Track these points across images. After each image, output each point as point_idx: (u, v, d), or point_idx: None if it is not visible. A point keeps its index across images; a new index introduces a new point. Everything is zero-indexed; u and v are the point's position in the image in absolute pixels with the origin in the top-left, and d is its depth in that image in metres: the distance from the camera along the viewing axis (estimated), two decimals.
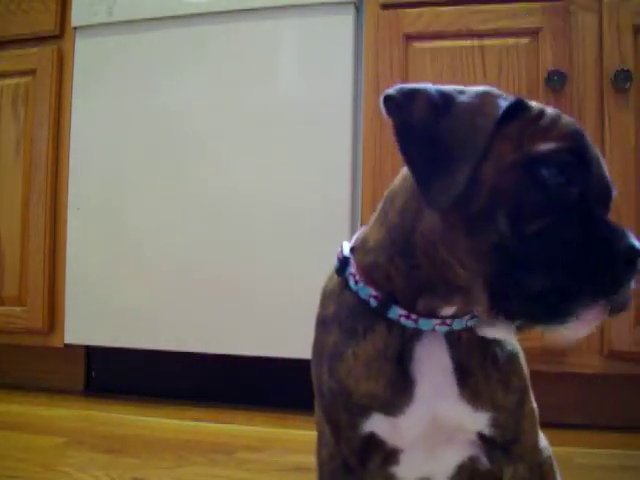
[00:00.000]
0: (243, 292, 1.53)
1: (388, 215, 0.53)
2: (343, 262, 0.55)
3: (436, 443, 0.53)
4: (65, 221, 1.68)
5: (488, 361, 0.53)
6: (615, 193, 0.50)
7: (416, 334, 0.52)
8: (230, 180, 1.56)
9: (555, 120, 0.49)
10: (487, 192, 0.45)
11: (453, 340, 0.52)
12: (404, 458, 0.54)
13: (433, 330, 0.51)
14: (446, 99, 0.48)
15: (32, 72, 1.72)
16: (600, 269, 0.42)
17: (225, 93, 1.57)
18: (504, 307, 0.44)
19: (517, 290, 0.43)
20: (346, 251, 0.56)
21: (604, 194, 0.48)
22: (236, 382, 1.62)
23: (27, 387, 1.73)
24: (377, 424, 0.52)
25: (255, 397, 1.59)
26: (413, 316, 0.51)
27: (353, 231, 1.48)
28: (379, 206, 0.56)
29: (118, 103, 1.65)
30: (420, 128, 0.47)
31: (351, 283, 0.53)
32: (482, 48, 1.43)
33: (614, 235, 0.44)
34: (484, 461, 0.55)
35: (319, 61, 1.52)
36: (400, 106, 0.48)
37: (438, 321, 0.51)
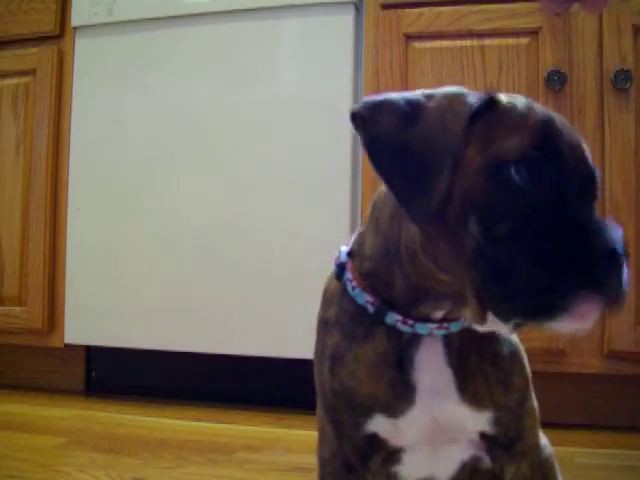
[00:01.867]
0: (243, 292, 1.53)
1: (379, 223, 0.53)
2: (341, 268, 0.55)
3: (438, 443, 0.54)
4: (65, 221, 1.68)
5: (487, 361, 0.53)
6: (598, 176, 0.47)
7: (414, 338, 0.52)
8: (230, 179, 1.56)
9: (523, 113, 0.46)
10: (459, 198, 0.44)
11: (451, 343, 0.52)
12: (406, 457, 0.54)
13: (431, 334, 0.51)
14: (414, 106, 0.47)
15: (32, 72, 1.72)
16: (578, 263, 0.41)
17: (225, 93, 1.57)
18: (493, 309, 0.43)
19: (502, 291, 0.42)
20: (343, 257, 0.56)
21: (585, 182, 0.45)
22: (236, 382, 1.62)
23: (27, 387, 1.73)
24: (379, 424, 0.53)
25: (255, 397, 1.59)
26: (410, 321, 0.51)
27: (352, 230, 1.48)
28: (369, 210, 0.55)
29: (118, 103, 1.65)
30: (389, 141, 0.45)
31: (349, 288, 0.54)
32: (482, 48, 1.43)
33: (592, 228, 0.42)
34: (486, 460, 0.55)
35: (319, 61, 1.52)
36: (366, 120, 0.47)
37: (435, 325, 0.51)
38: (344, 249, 0.57)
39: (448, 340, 0.52)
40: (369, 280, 0.52)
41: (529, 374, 0.56)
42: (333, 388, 0.54)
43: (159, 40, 1.62)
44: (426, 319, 0.51)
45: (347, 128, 1.49)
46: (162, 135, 1.61)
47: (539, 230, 0.42)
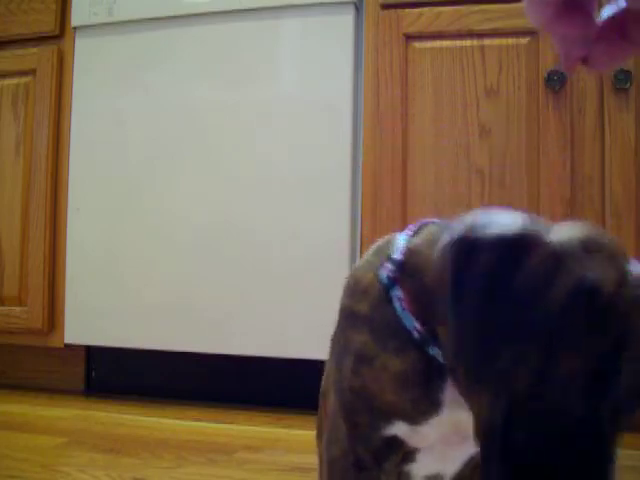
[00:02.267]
0: (243, 292, 1.53)
1: (428, 257, 0.48)
2: (391, 280, 0.50)
3: (453, 443, 0.53)
4: (65, 221, 1.68)
5: None
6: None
7: (445, 372, 0.48)
8: (230, 179, 1.56)
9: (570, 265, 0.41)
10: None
11: None
12: (421, 456, 0.53)
13: None
14: (509, 265, 0.40)
15: (32, 72, 1.72)
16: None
17: (225, 93, 1.57)
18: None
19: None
20: (395, 265, 0.50)
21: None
22: (236, 382, 1.62)
23: (27, 387, 1.73)
24: (400, 429, 0.51)
25: (255, 397, 1.59)
26: None
27: (352, 230, 1.48)
28: (427, 230, 0.51)
29: (118, 103, 1.65)
30: (480, 295, 0.40)
31: (396, 306, 0.49)
32: (482, 48, 1.43)
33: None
34: None
35: (319, 61, 1.52)
36: (470, 255, 0.41)
37: None
38: (398, 255, 0.50)
39: None
40: (419, 305, 0.48)
41: None
42: (352, 387, 0.51)
43: (159, 40, 1.62)
44: None
45: (347, 128, 1.50)
46: (162, 135, 1.61)
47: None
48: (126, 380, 1.71)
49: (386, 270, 0.50)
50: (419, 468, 0.55)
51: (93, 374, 1.75)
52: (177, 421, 1.43)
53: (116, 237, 1.63)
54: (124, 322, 1.61)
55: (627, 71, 1.34)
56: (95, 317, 1.63)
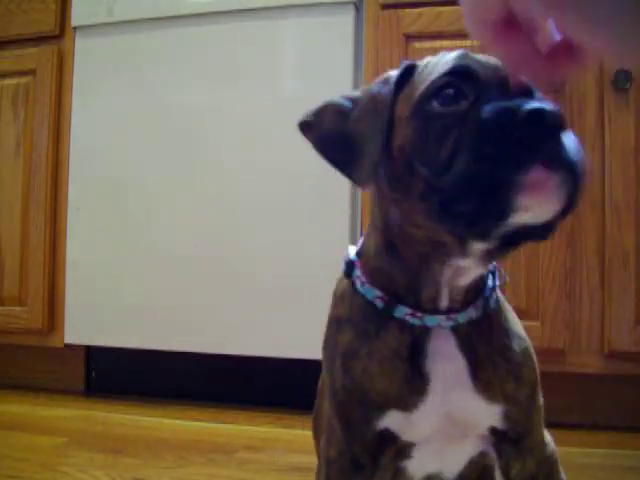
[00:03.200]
0: (243, 292, 1.53)
1: (375, 222, 0.55)
2: (349, 265, 0.57)
3: (450, 438, 0.54)
4: (65, 221, 1.68)
5: (497, 352, 0.53)
6: (504, 72, 0.48)
7: (425, 331, 0.52)
8: (230, 179, 1.56)
9: (437, 59, 0.51)
10: (399, 154, 0.48)
11: (461, 334, 0.53)
12: (416, 452, 0.54)
13: (439, 325, 0.52)
14: (352, 100, 0.53)
15: (32, 72, 1.72)
16: (510, 147, 0.41)
17: (225, 93, 1.57)
18: (468, 231, 0.45)
19: (464, 209, 0.43)
20: (352, 255, 0.58)
21: (500, 81, 0.47)
22: (236, 382, 1.62)
23: (27, 387, 1.73)
24: (392, 420, 0.53)
25: (255, 397, 1.59)
26: (418, 314, 0.52)
27: (352, 227, 1.48)
28: (369, 216, 0.58)
29: (118, 103, 1.65)
30: (332, 134, 0.52)
31: (358, 285, 0.55)
32: (482, 48, 1.43)
33: (514, 109, 0.42)
34: (492, 455, 0.56)
35: (319, 61, 1.52)
36: (311, 125, 0.53)
37: (443, 317, 0.52)
38: (352, 249, 0.58)
39: (457, 331, 0.53)
40: (376, 276, 0.54)
41: (538, 370, 0.56)
42: (344, 385, 0.54)
43: (159, 40, 1.62)
44: (434, 311, 0.52)
45: None
46: (162, 134, 1.61)
47: (473, 139, 0.43)
48: (126, 380, 1.71)
49: (345, 260, 0.58)
50: (416, 465, 0.55)
51: (93, 374, 1.75)
52: (177, 421, 1.43)
53: (116, 237, 1.63)
54: (124, 322, 1.61)
55: (627, 71, 1.34)
56: (95, 317, 1.63)
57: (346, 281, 0.57)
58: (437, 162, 0.45)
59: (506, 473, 0.56)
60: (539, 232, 0.45)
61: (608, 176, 1.35)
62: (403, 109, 0.49)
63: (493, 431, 0.54)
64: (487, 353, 0.53)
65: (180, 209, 1.59)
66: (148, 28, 1.63)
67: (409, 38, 1.47)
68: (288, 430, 1.36)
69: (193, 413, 1.50)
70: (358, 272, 0.55)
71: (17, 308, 1.70)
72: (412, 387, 0.52)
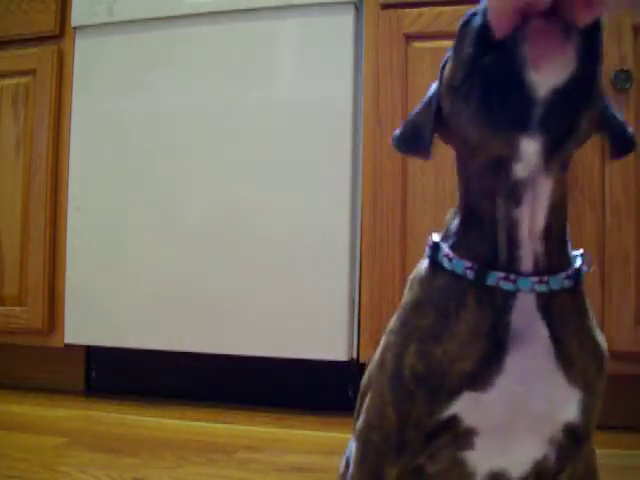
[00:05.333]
0: (243, 292, 1.53)
1: (458, 198, 0.55)
2: (434, 247, 0.54)
3: (518, 427, 0.50)
4: (65, 221, 1.68)
5: (583, 331, 0.51)
6: None
7: (507, 304, 0.50)
8: (230, 179, 1.56)
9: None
10: (446, 94, 0.53)
11: (547, 307, 0.50)
12: (479, 442, 0.50)
13: (532, 290, 0.49)
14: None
15: (32, 72, 1.72)
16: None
17: (224, 93, 1.57)
18: (513, 119, 0.44)
19: (498, 95, 0.43)
20: (436, 238, 0.55)
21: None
22: (236, 382, 1.62)
23: (27, 387, 1.73)
24: (463, 404, 0.49)
25: (255, 397, 1.59)
26: (512, 276, 0.49)
27: (352, 233, 1.48)
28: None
29: (118, 103, 1.65)
30: (403, 131, 0.59)
31: (445, 264, 0.52)
32: None
33: None
34: (551, 464, 0.52)
35: (319, 61, 1.52)
36: (399, 138, 0.58)
37: (536, 279, 0.49)
38: (436, 235, 0.56)
39: (544, 304, 0.50)
40: (463, 249, 0.52)
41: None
42: (415, 373, 0.50)
43: (159, 40, 1.62)
44: (525, 274, 0.50)
45: (347, 128, 1.50)
46: (162, 134, 1.61)
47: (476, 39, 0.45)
48: (126, 380, 1.71)
49: (429, 244, 0.56)
50: (479, 458, 0.51)
51: (93, 374, 1.75)
52: (177, 421, 1.43)
53: (116, 237, 1.63)
54: (124, 322, 1.61)
55: (627, 71, 1.34)
56: (95, 317, 1.63)
57: (424, 268, 0.54)
58: (465, 80, 0.47)
59: (554, 477, 0.53)
60: (575, 98, 0.43)
61: (608, 176, 1.35)
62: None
63: (566, 427, 0.50)
64: (574, 330, 0.50)
65: (180, 210, 1.59)
66: (148, 28, 1.63)
67: (409, 38, 1.47)
68: (288, 430, 1.36)
69: (193, 413, 1.50)
70: (444, 252, 0.53)
71: (17, 308, 1.70)
72: (490, 364, 0.48)
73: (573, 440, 0.51)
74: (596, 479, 0.56)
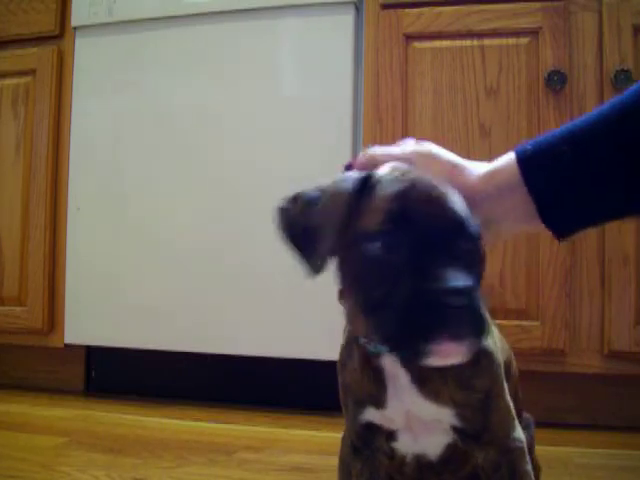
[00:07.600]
0: (243, 292, 1.53)
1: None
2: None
3: (419, 431, 0.61)
4: (65, 221, 1.68)
5: (447, 370, 0.56)
6: (463, 223, 0.52)
7: (379, 355, 0.59)
8: (230, 179, 1.56)
9: (385, 188, 0.53)
10: (340, 263, 0.56)
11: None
12: (400, 436, 0.63)
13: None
14: (320, 191, 0.58)
15: (32, 72, 1.72)
16: (425, 315, 0.47)
17: (225, 93, 1.57)
18: (395, 354, 0.52)
19: (382, 330, 0.50)
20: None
21: (441, 239, 0.50)
22: (236, 382, 1.62)
23: (27, 387, 1.73)
24: (371, 414, 0.62)
25: (255, 397, 1.59)
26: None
27: None
28: None
29: (118, 103, 1.65)
30: (295, 223, 0.58)
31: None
32: (482, 48, 1.43)
33: (438, 280, 0.47)
34: (460, 443, 0.61)
35: (319, 61, 1.52)
36: (282, 211, 0.61)
37: None
38: None
39: None
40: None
41: (498, 374, 0.60)
42: (341, 383, 0.65)
43: (159, 40, 1.62)
44: None
45: (347, 128, 1.50)
46: (162, 134, 1.61)
47: (398, 291, 0.49)
48: (126, 380, 1.71)
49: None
50: (403, 446, 0.64)
51: (93, 374, 1.75)
52: (177, 421, 1.43)
53: (116, 237, 1.63)
54: (124, 322, 1.61)
55: (627, 71, 1.34)
56: (95, 317, 1.63)
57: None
58: (368, 294, 0.51)
59: (476, 459, 0.63)
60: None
61: None
62: (351, 224, 0.53)
63: (454, 428, 0.60)
64: (434, 371, 0.57)
65: (180, 209, 1.59)
66: (148, 28, 1.63)
67: (409, 38, 1.47)
68: (288, 430, 1.36)
69: (193, 413, 1.50)
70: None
71: (17, 308, 1.70)
72: (379, 392, 0.60)
73: (466, 434, 0.60)
74: (513, 461, 0.61)
